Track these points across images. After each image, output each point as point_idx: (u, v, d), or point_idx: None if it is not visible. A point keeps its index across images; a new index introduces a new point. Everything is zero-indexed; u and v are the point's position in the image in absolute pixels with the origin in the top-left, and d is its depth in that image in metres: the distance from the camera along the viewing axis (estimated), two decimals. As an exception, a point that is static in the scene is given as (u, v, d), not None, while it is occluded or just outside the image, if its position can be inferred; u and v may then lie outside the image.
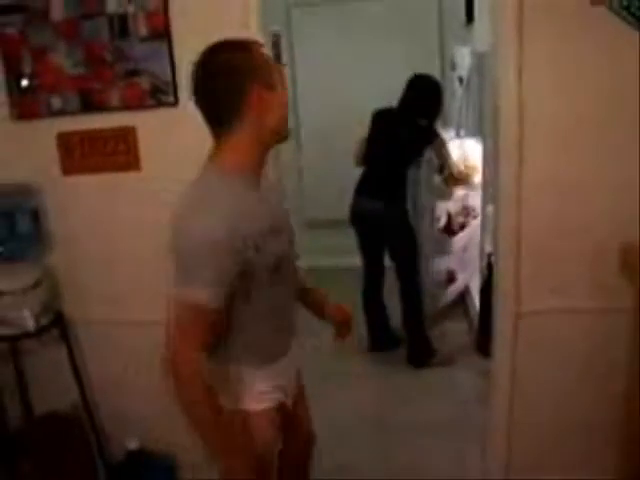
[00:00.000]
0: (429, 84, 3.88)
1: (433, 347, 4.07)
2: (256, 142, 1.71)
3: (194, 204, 1.66)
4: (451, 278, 4.65)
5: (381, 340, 4.22)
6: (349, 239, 4.10)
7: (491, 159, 2.91)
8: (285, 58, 5.58)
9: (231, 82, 1.63)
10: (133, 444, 2.85)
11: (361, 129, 3.96)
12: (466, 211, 4.60)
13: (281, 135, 1.79)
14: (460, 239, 4.50)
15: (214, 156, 1.72)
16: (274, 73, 1.71)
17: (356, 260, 4.20)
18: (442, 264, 4.51)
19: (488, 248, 3.73)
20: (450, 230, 4.48)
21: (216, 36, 2.46)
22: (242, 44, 1.69)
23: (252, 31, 2.44)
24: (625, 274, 2.41)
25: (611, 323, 2.55)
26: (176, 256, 1.64)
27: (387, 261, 4.10)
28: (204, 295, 1.59)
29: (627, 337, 2.41)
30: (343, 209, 4.04)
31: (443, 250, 4.43)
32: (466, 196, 4.51)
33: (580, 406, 2.70)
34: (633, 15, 2.24)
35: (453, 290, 4.66)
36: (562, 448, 2.76)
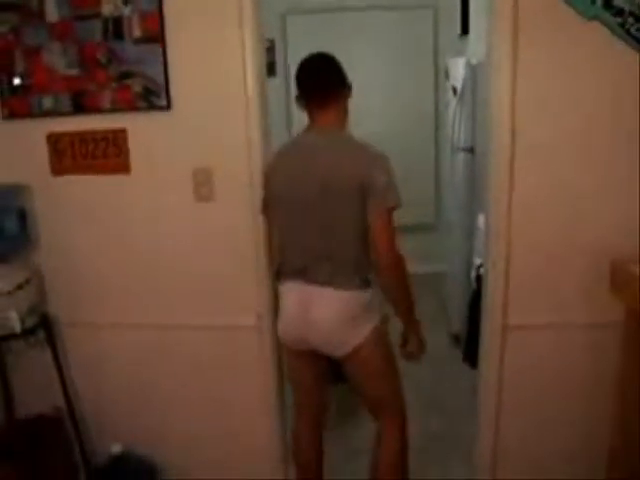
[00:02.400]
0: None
1: None
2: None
3: (363, 148, 2.30)
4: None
5: None
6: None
7: (482, 169, 2.90)
8: (279, 66, 5.59)
9: (343, 74, 2.39)
10: (116, 448, 2.83)
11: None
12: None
13: None
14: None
15: (325, 122, 2.34)
16: None
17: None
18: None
19: (477, 260, 3.72)
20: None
21: (210, 41, 2.49)
22: None
23: (247, 36, 2.45)
24: (615, 290, 2.41)
25: (600, 338, 2.56)
26: (377, 183, 2.20)
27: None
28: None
29: (616, 352, 2.41)
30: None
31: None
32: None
33: (568, 420, 2.70)
34: (628, 33, 2.25)
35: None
36: (550, 462, 2.76)
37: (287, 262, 2.40)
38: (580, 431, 2.69)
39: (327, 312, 2.29)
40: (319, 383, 2.57)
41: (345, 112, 2.42)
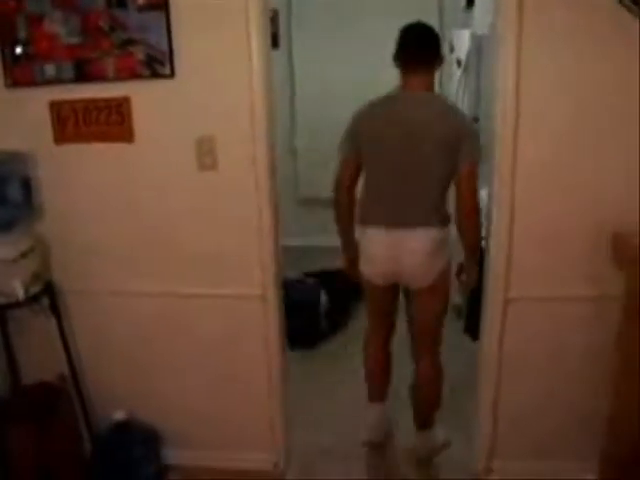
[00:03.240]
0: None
1: None
2: None
3: (454, 109, 2.75)
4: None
5: None
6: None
7: (486, 141, 2.90)
8: (282, 37, 5.54)
9: (440, 47, 2.68)
10: (119, 415, 2.85)
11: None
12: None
13: None
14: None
15: (418, 87, 2.65)
16: None
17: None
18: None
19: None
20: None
21: (214, 8, 2.46)
22: None
23: (251, 4, 2.43)
24: (616, 262, 2.41)
25: (601, 311, 2.57)
26: (466, 140, 2.56)
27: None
28: None
29: (616, 325, 2.42)
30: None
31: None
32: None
33: (567, 392, 2.73)
34: (635, 3, 2.23)
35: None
36: (547, 434, 2.79)
37: (374, 207, 2.73)
38: (579, 404, 2.71)
39: (418, 246, 2.65)
40: (393, 309, 3.01)
41: (434, 80, 2.71)
